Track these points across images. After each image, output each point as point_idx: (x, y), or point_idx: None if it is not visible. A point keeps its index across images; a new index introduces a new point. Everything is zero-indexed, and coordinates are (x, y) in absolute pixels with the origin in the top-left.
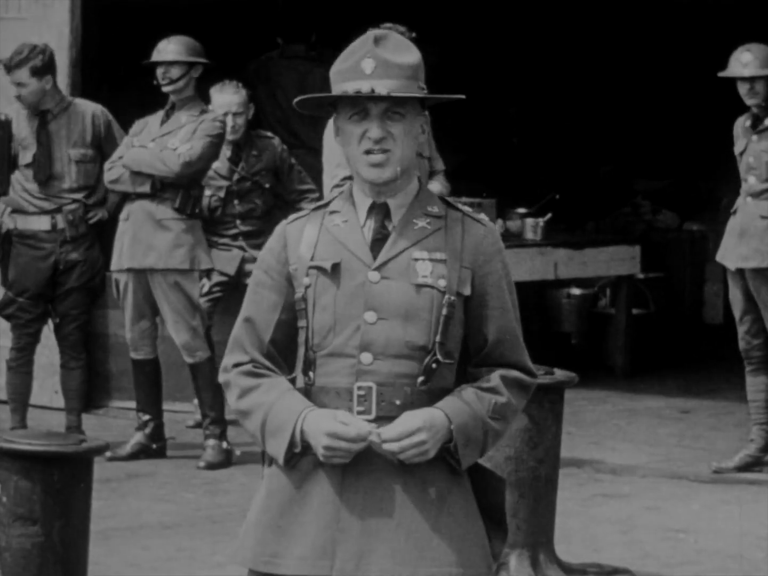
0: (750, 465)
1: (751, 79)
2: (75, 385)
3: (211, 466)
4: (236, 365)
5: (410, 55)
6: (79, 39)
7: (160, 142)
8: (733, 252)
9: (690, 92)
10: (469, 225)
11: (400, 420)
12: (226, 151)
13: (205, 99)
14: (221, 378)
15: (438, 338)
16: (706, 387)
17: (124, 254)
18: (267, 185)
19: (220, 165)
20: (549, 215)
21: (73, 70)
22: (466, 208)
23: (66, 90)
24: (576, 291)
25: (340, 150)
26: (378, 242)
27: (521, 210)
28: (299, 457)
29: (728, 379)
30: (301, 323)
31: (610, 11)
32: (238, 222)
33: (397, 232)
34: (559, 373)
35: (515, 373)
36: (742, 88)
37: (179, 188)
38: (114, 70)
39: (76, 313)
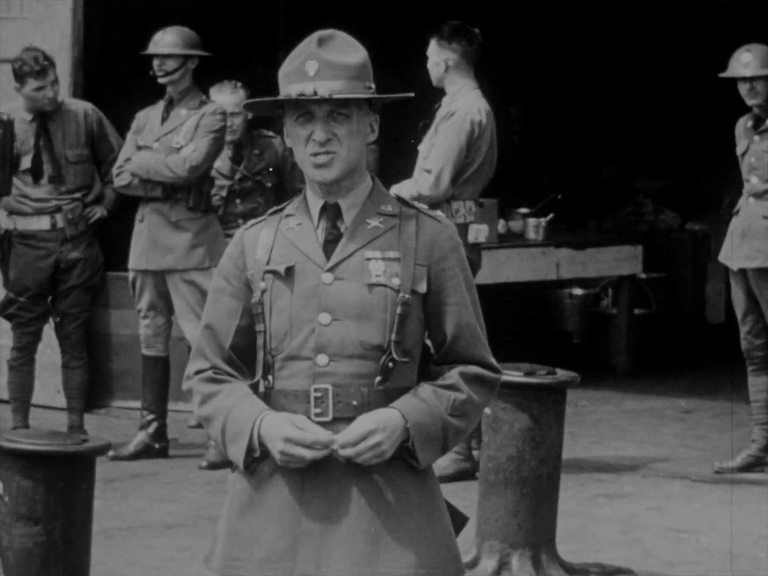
0: (751, 465)
1: (752, 79)
2: (77, 384)
3: (214, 466)
4: (198, 372)
5: (355, 54)
6: (81, 38)
7: (163, 142)
8: (735, 252)
9: (691, 92)
10: (424, 222)
11: (353, 425)
12: (227, 151)
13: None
14: (185, 386)
15: (393, 337)
16: (708, 387)
17: (142, 255)
18: (269, 184)
19: (222, 164)
20: (551, 215)
21: (75, 70)
22: (422, 206)
23: (68, 89)
24: (578, 291)
25: None
26: (330, 243)
27: (523, 210)
28: (259, 462)
29: (730, 379)
30: (259, 327)
31: (612, 11)
32: (240, 221)
33: (349, 233)
34: (561, 373)
35: (476, 369)
36: (743, 89)
37: (190, 187)
38: (116, 69)
39: (77, 311)
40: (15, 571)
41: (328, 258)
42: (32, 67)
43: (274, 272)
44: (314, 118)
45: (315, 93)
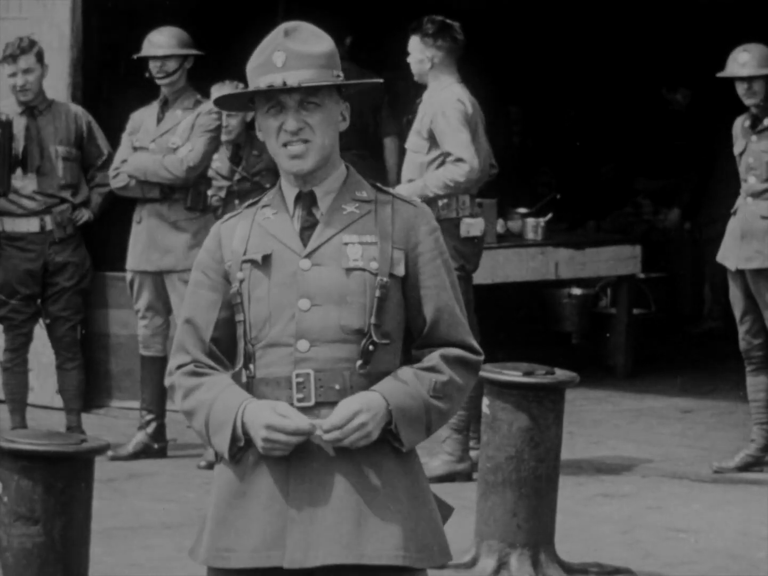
0: (750, 465)
1: (749, 79)
2: (73, 385)
3: (212, 466)
4: (179, 367)
5: (322, 43)
6: (80, 39)
7: (160, 143)
8: (733, 252)
9: (689, 93)
10: (399, 206)
11: (337, 408)
12: (226, 151)
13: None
14: (167, 381)
15: (373, 320)
16: (707, 387)
17: (140, 256)
18: (268, 185)
19: (221, 165)
20: (550, 215)
21: (74, 70)
22: (397, 192)
23: (67, 90)
24: (577, 291)
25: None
26: (307, 230)
27: (522, 210)
28: (244, 451)
29: (729, 379)
30: (239, 317)
31: (611, 11)
32: None
33: (325, 219)
34: (560, 373)
35: (456, 351)
36: (741, 88)
37: (188, 188)
38: (115, 70)
39: (69, 314)
40: (14, 571)
41: (305, 244)
42: (10, 52)
43: (252, 261)
44: (285, 108)
45: (284, 83)
